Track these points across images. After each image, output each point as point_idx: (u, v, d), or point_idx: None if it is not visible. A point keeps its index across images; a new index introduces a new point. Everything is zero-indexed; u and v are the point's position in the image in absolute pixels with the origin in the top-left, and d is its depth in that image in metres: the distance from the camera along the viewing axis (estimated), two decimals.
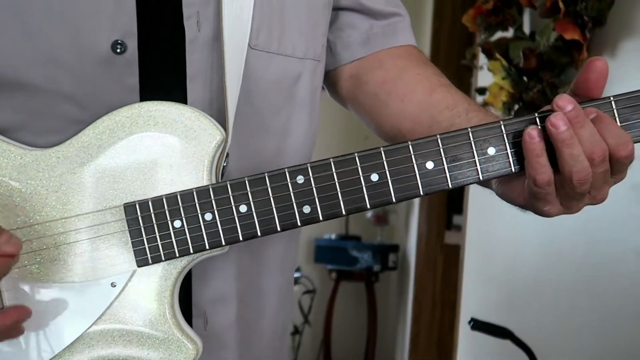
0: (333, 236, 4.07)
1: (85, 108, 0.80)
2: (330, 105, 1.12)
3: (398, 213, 4.07)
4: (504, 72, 2.18)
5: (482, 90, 2.37)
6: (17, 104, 0.79)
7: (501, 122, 0.76)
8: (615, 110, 0.75)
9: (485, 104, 2.32)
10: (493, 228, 2.54)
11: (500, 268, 2.51)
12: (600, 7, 1.94)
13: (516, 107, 2.20)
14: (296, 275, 3.79)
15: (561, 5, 1.92)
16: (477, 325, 1.92)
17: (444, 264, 3.62)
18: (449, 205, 3.61)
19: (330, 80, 1.01)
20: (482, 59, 2.46)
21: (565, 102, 0.73)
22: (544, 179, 0.74)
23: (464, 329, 2.70)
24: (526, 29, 2.26)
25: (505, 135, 0.76)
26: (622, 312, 1.90)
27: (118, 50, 0.79)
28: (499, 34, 2.31)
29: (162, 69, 0.82)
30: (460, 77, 3.20)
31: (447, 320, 3.48)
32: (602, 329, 1.96)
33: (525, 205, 0.80)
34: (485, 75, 2.38)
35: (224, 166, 0.80)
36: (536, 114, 0.76)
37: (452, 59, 3.44)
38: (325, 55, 0.96)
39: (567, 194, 0.76)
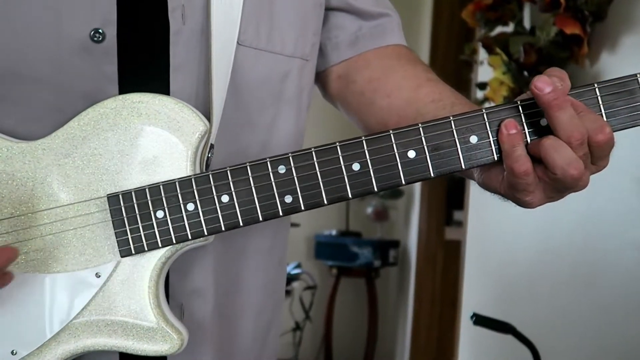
0: (333, 232, 4.07)
1: (62, 95, 0.79)
2: (321, 104, 1.11)
3: (398, 209, 4.07)
4: (504, 67, 2.18)
5: (482, 85, 2.37)
6: None
7: (484, 110, 0.75)
8: (599, 97, 0.75)
9: (486, 99, 2.32)
10: (493, 224, 2.54)
11: (501, 264, 2.50)
12: (600, 1, 1.93)
13: None
14: (297, 271, 3.81)
15: None
16: (479, 320, 1.91)
17: (444, 260, 3.61)
18: (449, 201, 3.60)
19: (322, 81, 1.01)
20: (482, 54, 2.45)
21: (543, 83, 0.71)
22: (521, 169, 0.73)
23: (464, 325, 2.70)
24: (526, 23, 2.26)
25: (487, 123, 0.75)
26: (619, 306, 1.89)
27: (96, 39, 0.79)
28: (498, 29, 2.30)
29: (144, 58, 0.82)
30: (459, 72, 3.19)
31: (448, 316, 3.48)
32: (601, 323, 1.96)
33: (505, 195, 0.79)
34: (486, 70, 2.37)
35: (208, 157, 0.80)
36: (518, 101, 0.75)
37: (450, 54, 3.44)
38: (315, 55, 0.96)
39: (553, 185, 0.75)
